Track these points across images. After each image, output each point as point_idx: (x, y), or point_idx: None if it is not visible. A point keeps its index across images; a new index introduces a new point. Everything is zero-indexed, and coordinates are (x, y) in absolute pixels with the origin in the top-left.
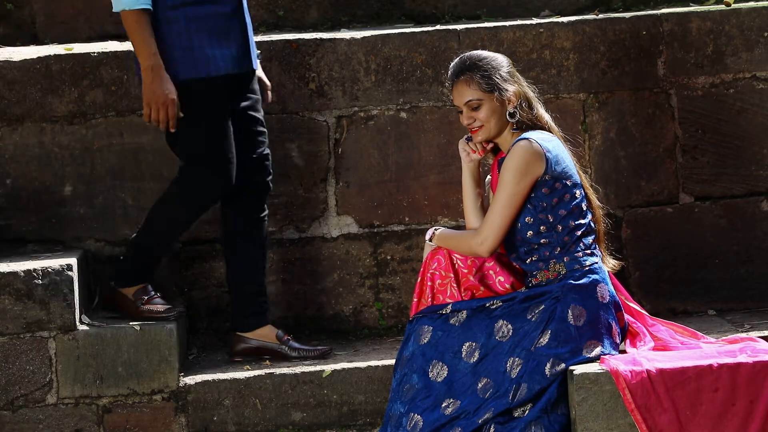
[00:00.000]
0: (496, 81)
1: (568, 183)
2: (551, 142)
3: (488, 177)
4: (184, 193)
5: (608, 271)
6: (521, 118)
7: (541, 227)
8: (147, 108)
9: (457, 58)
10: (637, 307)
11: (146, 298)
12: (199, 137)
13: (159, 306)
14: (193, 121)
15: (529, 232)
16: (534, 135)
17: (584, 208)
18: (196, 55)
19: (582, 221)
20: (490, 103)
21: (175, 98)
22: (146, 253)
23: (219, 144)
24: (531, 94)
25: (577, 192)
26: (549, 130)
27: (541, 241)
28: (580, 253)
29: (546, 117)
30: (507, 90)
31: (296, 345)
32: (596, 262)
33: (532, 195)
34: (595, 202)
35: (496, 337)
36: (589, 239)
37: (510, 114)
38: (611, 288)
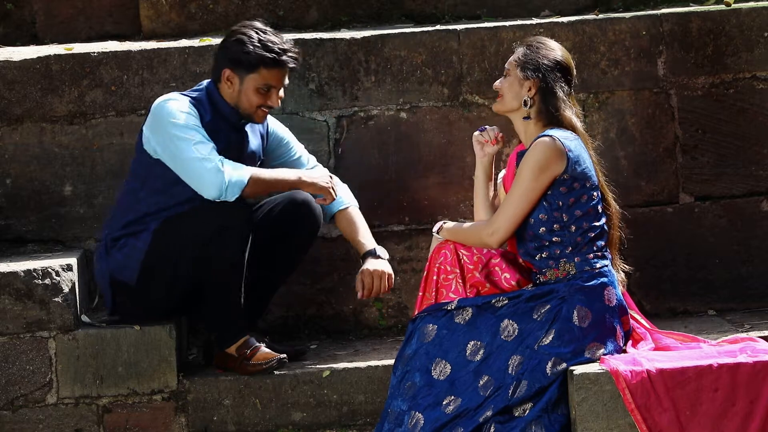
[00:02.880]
0: (527, 61)
1: (587, 184)
2: (573, 142)
3: (502, 172)
4: (218, 250)
5: (619, 281)
6: (537, 110)
7: (555, 225)
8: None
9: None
10: (641, 319)
11: (248, 351)
12: (192, 238)
13: (260, 357)
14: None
15: (542, 229)
16: (557, 133)
17: (600, 211)
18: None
19: (596, 223)
20: (513, 77)
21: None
22: (224, 309)
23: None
24: (561, 95)
25: (595, 194)
26: (573, 130)
27: (553, 239)
28: (591, 255)
29: (573, 119)
30: (528, 76)
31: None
32: (606, 265)
33: (549, 193)
34: (614, 206)
35: (502, 337)
36: (602, 242)
37: (524, 101)
38: (619, 292)
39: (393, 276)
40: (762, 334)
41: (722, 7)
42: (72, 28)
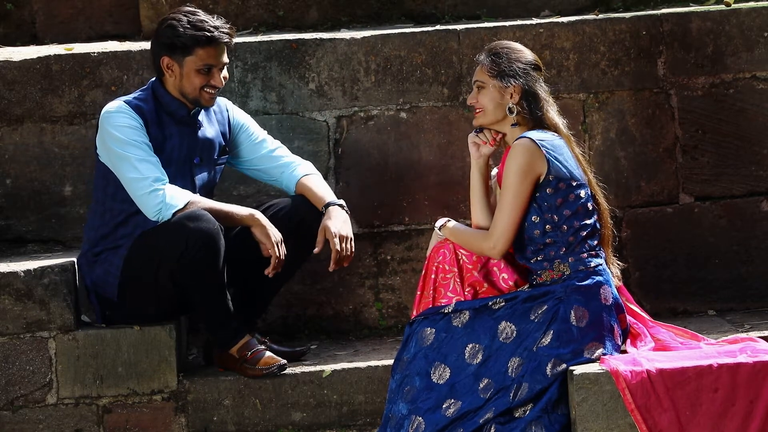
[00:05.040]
0: (503, 69)
1: (572, 183)
2: (552, 142)
3: (495, 170)
4: (192, 262)
5: (614, 276)
6: (522, 116)
7: (547, 227)
8: (272, 246)
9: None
10: (639, 310)
11: (249, 354)
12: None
13: (260, 363)
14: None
15: (536, 231)
16: (534, 134)
17: (590, 209)
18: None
19: (587, 221)
20: (491, 89)
21: (276, 242)
22: (215, 314)
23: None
24: (542, 95)
25: (582, 192)
26: (556, 130)
27: (547, 240)
28: (585, 254)
29: (556, 119)
30: (509, 83)
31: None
32: (600, 264)
33: (537, 195)
34: (603, 204)
35: (500, 339)
36: (594, 240)
37: (509, 109)
38: (614, 290)
39: (353, 239)
40: (762, 334)
41: (722, 7)
42: (72, 28)
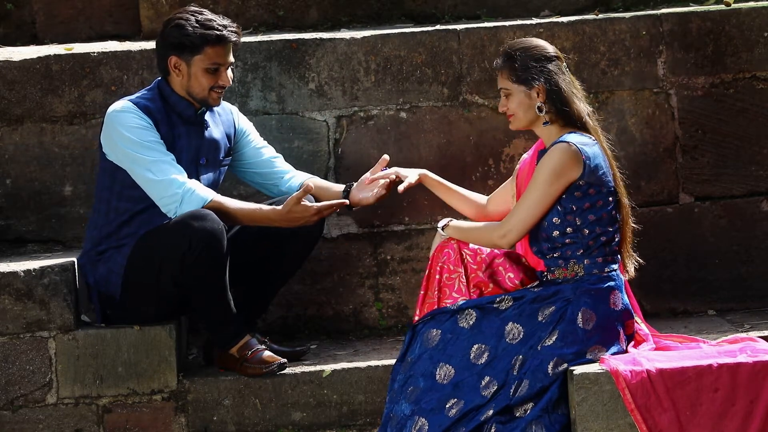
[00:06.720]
0: (520, 74)
1: (602, 190)
2: (591, 148)
3: (525, 155)
4: (195, 264)
5: (625, 281)
6: (552, 114)
7: (567, 229)
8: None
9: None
10: (644, 325)
11: (249, 353)
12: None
13: (260, 361)
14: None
15: (555, 232)
16: (575, 138)
17: (614, 215)
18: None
19: (609, 229)
20: (518, 94)
21: (314, 207)
22: (215, 315)
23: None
24: (564, 87)
25: (610, 198)
26: (584, 126)
27: (566, 241)
28: (601, 259)
29: (582, 112)
30: (531, 85)
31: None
32: (615, 270)
33: (564, 197)
34: (626, 201)
35: (507, 340)
36: (612, 246)
37: (538, 108)
38: (624, 296)
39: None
40: (762, 334)
41: (722, 7)
42: (72, 28)
